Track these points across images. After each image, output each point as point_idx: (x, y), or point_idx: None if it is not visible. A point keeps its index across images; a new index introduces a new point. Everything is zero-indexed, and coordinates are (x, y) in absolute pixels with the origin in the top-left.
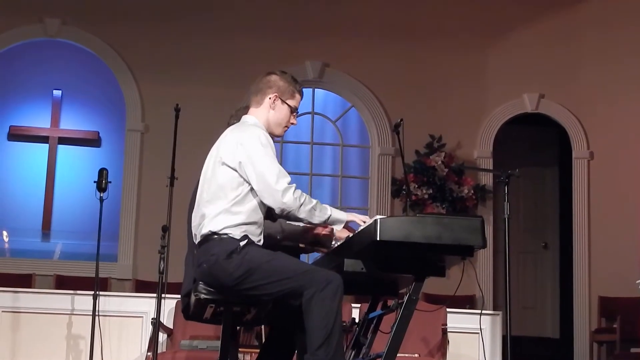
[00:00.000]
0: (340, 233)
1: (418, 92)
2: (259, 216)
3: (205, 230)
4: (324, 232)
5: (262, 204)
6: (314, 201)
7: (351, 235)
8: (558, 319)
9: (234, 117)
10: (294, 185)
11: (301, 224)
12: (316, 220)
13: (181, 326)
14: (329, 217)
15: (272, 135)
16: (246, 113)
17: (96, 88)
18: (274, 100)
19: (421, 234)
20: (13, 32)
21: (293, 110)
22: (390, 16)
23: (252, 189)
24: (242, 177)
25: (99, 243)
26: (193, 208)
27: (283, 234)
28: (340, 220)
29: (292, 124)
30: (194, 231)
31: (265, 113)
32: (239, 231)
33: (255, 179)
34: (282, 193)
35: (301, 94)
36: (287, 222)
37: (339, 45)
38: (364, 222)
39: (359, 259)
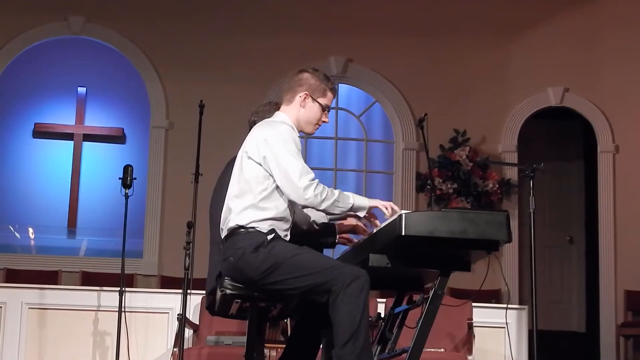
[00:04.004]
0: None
1: (442, 87)
2: (287, 212)
3: (232, 224)
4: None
5: (290, 200)
6: (336, 193)
7: (375, 230)
8: (584, 313)
9: (255, 114)
10: (316, 181)
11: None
12: (338, 211)
13: (207, 322)
14: (351, 207)
15: (304, 133)
16: (277, 110)
17: (120, 85)
18: (305, 98)
19: (446, 228)
20: (38, 29)
21: (325, 108)
22: (413, 11)
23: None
24: (268, 172)
25: (124, 239)
26: (215, 204)
27: (307, 225)
28: (363, 207)
29: (324, 121)
30: (221, 225)
31: (295, 111)
32: (266, 225)
33: (278, 174)
34: (305, 190)
35: (333, 92)
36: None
37: (362, 40)
38: (386, 207)
39: (384, 254)
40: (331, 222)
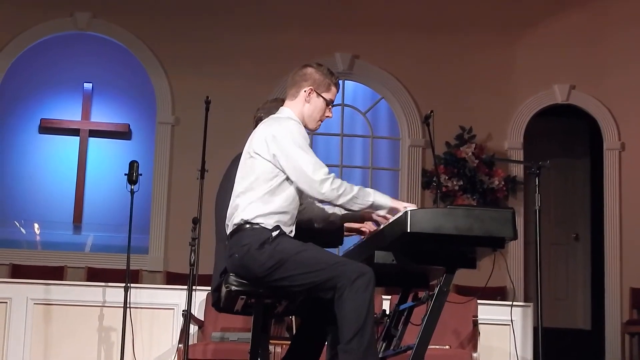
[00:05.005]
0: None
1: (448, 84)
2: (292, 207)
3: (237, 220)
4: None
5: (296, 195)
6: (355, 189)
7: (382, 226)
8: (589, 311)
9: (262, 110)
10: (333, 175)
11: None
12: (357, 208)
13: (212, 318)
14: (370, 204)
15: (307, 129)
16: (282, 105)
17: (126, 81)
18: (309, 93)
19: (452, 225)
20: (44, 25)
21: (329, 103)
22: (420, 8)
23: (286, 179)
24: (278, 168)
25: (130, 235)
26: (221, 200)
27: (323, 223)
28: (384, 207)
29: (328, 116)
30: (226, 222)
31: (300, 106)
32: (271, 221)
33: (292, 171)
34: (320, 183)
35: (337, 87)
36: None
37: (368, 37)
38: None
39: (389, 250)
40: (342, 222)
